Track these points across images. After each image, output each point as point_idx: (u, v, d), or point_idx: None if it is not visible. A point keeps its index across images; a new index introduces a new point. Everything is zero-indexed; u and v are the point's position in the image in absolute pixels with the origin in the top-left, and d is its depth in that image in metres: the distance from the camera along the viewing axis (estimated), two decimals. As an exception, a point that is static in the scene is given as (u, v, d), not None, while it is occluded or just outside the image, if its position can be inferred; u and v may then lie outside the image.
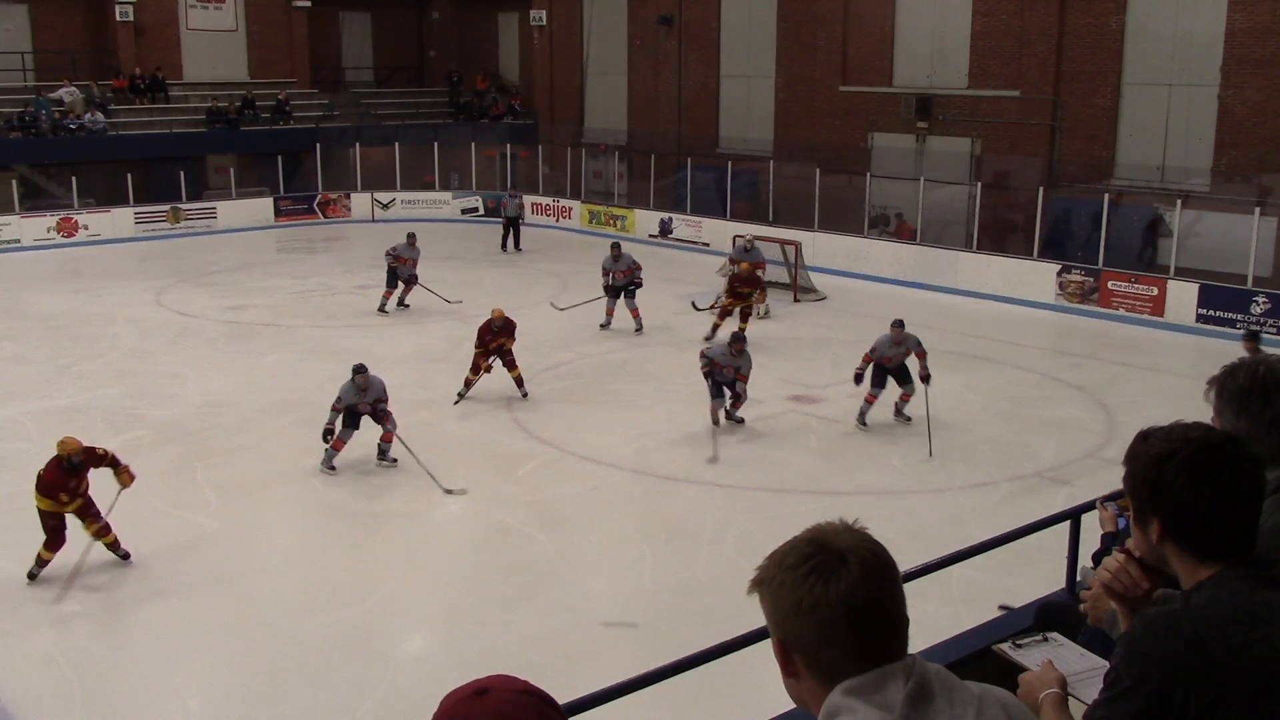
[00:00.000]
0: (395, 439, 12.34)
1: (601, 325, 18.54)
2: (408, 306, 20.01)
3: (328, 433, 12.20)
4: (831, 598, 1.64)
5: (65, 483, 9.66)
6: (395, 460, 12.44)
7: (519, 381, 14.79)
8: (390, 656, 8.78)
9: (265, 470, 12.59)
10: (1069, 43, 22.76)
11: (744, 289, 17.96)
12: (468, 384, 14.63)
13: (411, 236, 20.06)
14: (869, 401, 13.62)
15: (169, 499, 11.55)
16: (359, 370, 12.35)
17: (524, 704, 1.52)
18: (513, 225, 26.56)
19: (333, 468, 12.25)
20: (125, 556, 10.03)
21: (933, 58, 24.95)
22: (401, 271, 19.65)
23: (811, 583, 1.65)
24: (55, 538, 9.72)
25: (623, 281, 18.43)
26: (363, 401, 12.31)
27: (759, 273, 20.03)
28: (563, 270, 24.09)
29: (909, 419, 13.79)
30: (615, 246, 18.97)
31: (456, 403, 14.51)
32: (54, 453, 9.76)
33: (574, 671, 7.94)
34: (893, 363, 13.61)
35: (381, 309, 19.76)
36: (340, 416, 12.21)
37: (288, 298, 21.42)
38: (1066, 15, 22.67)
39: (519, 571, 10.09)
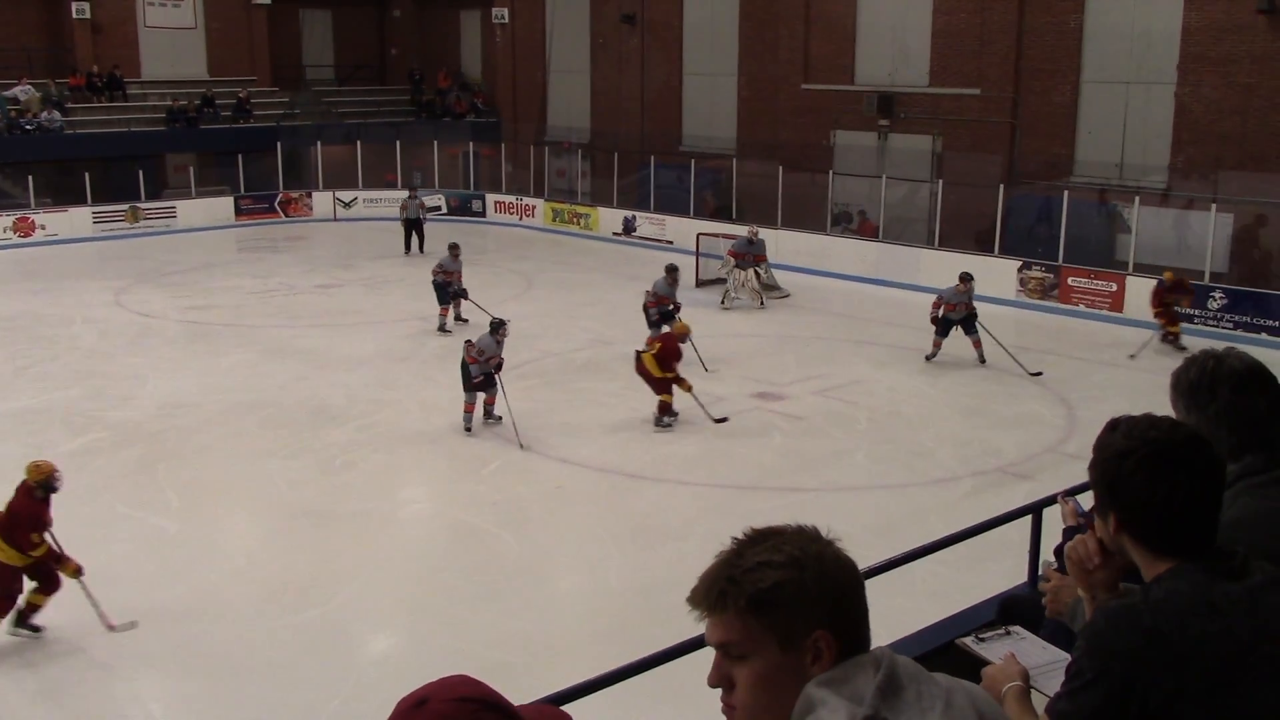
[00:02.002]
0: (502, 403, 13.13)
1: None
2: (466, 321, 18.39)
3: (473, 384, 13.12)
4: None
5: (42, 516, 8.48)
6: (500, 418, 13.34)
7: (666, 408, 13.58)
8: (356, 657, 8.74)
9: (227, 471, 12.50)
10: (1028, 41, 22.94)
11: (1172, 298, 17.14)
12: (665, 408, 13.52)
13: (453, 248, 18.90)
14: (936, 347, 15.81)
15: (130, 501, 11.45)
16: (499, 325, 13.22)
17: (460, 712, 1.50)
18: (414, 227, 25.44)
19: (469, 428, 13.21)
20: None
21: (894, 56, 25.07)
22: (453, 286, 18.47)
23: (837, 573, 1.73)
24: (7, 603, 8.54)
25: (665, 309, 16.69)
26: (497, 355, 13.13)
27: (759, 269, 20.35)
28: (526, 269, 24.08)
29: (984, 361, 15.97)
30: (671, 270, 17.16)
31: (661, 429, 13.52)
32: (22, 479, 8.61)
33: (540, 670, 7.94)
34: (957, 312, 15.67)
35: (441, 328, 18.28)
36: (473, 370, 13.00)
37: (249, 297, 21.24)
38: (1026, 14, 22.84)
39: (485, 571, 10.06)
